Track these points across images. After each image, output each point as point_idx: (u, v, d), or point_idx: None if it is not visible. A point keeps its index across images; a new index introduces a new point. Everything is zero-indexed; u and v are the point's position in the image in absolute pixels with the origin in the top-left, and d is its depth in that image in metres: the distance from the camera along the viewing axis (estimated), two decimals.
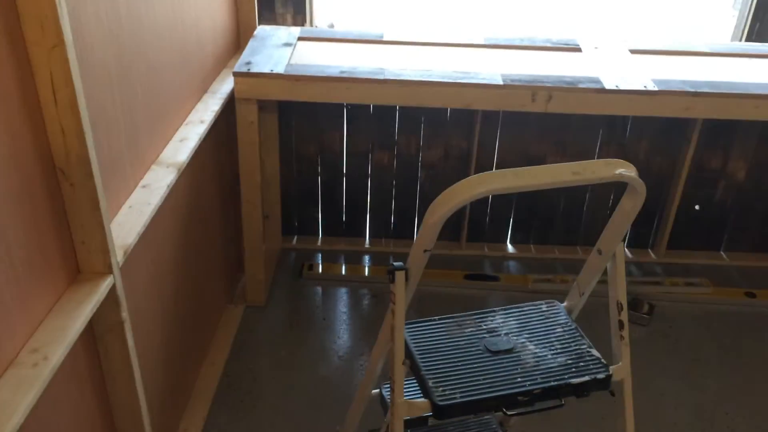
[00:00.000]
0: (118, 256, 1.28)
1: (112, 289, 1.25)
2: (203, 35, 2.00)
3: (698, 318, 2.40)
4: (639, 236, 2.70)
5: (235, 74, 2.05)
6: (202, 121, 1.90)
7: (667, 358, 2.23)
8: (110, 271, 1.24)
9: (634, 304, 2.39)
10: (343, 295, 2.49)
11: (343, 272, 2.59)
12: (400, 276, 1.26)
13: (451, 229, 2.68)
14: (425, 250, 1.23)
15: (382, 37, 2.38)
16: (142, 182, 1.54)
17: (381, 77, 2.07)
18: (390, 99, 2.16)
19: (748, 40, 3.14)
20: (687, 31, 5.66)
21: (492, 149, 2.56)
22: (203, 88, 2.05)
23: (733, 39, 3.32)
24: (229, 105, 2.09)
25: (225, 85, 2.11)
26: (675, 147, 2.51)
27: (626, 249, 2.70)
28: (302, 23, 2.96)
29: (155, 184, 1.54)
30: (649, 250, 2.70)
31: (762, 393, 2.10)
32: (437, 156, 2.58)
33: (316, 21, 3.11)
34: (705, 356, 2.24)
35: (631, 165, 1.21)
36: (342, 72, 2.08)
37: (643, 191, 1.22)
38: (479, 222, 2.69)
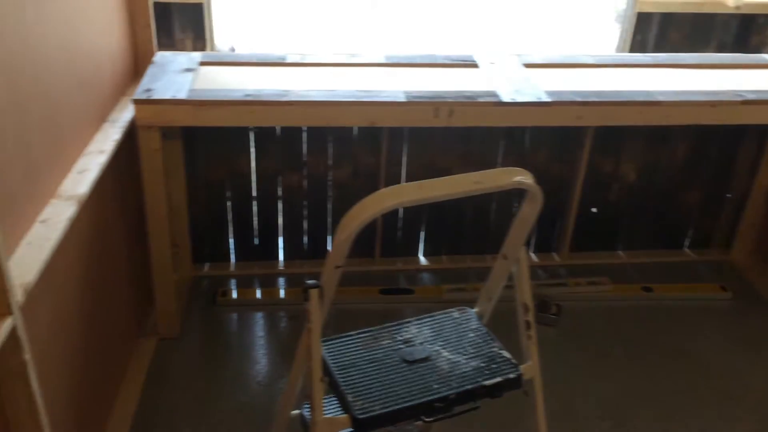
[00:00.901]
0: (18, 295, 1.23)
1: (13, 331, 1.20)
2: (100, 62, 1.95)
3: (601, 315, 2.53)
4: (543, 241, 2.82)
5: (136, 101, 2.01)
6: (102, 151, 1.85)
7: (575, 354, 2.33)
8: (9, 312, 1.19)
9: (542, 305, 2.49)
10: (259, 319, 2.46)
11: (258, 296, 2.56)
12: (314, 294, 1.28)
13: (364, 245, 2.71)
14: (337, 266, 1.25)
15: (285, 59, 2.39)
16: (40, 217, 1.48)
17: (286, 99, 2.09)
18: (296, 120, 2.18)
19: (631, 51, 3.37)
20: (576, 44, 5.98)
21: (400, 164, 2.62)
22: (102, 117, 1.99)
23: (617, 50, 3.55)
24: (131, 133, 2.04)
25: (125, 114, 2.06)
26: (571, 154, 2.64)
27: (532, 253, 2.82)
28: (202, 48, 2.93)
29: (55, 219, 1.49)
30: (553, 253, 2.82)
31: (661, 380, 2.23)
32: (347, 174, 2.61)
33: (217, 45, 3.09)
34: (609, 350, 2.36)
35: (528, 172, 1.28)
36: (247, 95, 2.08)
37: (540, 197, 1.29)
38: (391, 237, 2.74)
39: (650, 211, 2.80)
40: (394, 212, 2.71)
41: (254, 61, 2.38)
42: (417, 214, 2.72)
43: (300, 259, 2.73)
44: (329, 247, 2.73)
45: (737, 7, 3.41)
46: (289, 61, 2.38)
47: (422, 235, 2.77)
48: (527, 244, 2.75)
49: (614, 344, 2.39)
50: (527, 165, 2.64)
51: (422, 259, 2.78)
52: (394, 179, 2.61)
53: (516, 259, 1.43)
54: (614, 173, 2.73)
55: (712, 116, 2.21)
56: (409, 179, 2.63)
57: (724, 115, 2.21)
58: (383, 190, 1.17)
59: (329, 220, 2.68)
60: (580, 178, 2.64)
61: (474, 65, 2.44)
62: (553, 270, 2.76)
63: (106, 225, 1.92)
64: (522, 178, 1.25)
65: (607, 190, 2.76)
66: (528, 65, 2.44)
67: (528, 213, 1.32)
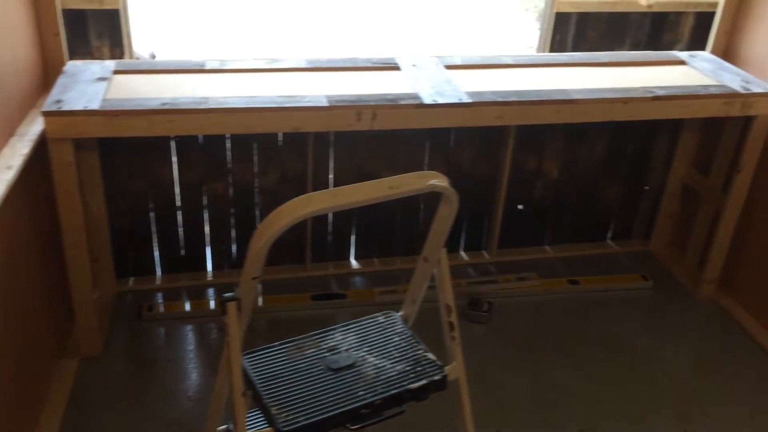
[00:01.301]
0: None
1: None
2: (3, 74, 1.86)
3: (531, 310, 2.58)
4: (473, 239, 2.86)
5: (45, 114, 1.93)
6: (9, 167, 1.77)
7: (506, 350, 2.37)
8: None
9: (474, 303, 2.53)
10: (188, 332, 2.41)
11: (187, 309, 2.50)
12: (231, 307, 1.25)
13: (294, 252, 2.69)
14: (254, 278, 1.23)
15: (204, 65, 2.34)
16: None
17: (205, 107, 2.04)
18: (216, 128, 2.13)
19: (551, 50, 3.45)
20: (498, 44, 6.10)
21: (327, 169, 2.60)
22: (9, 132, 1.91)
23: (538, 50, 3.63)
24: (42, 147, 1.95)
25: (35, 127, 1.98)
26: (495, 153, 2.69)
27: (462, 252, 2.85)
28: (120, 56, 2.84)
29: None
30: (483, 251, 2.86)
31: (589, 371, 2.29)
32: (273, 180, 2.58)
33: (137, 53, 3.00)
34: (539, 344, 2.41)
35: (443, 175, 1.29)
36: (163, 104, 2.02)
37: (456, 199, 1.30)
38: (322, 242, 2.72)
39: (573, 206, 2.88)
40: (323, 217, 2.70)
41: (172, 68, 2.32)
42: (347, 217, 2.72)
43: (229, 268, 2.68)
44: None
45: (649, 6, 3.53)
46: (208, 67, 2.33)
47: (353, 238, 2.76)
48: (453, 244, 2.80)
49: (544, 338, 2.44)
50: (453, 165, 2.71)
51: (354, 263, 2.78)
52: (322, 184, 2.59)
53: (437, 261, 1.44)
54: (538, 171, 2.79)
55: (624, 113, 2.29)
56: (337, 183, 2.62)
57: (636, 111, 2.28)
58: (296, 199, 1.15)
59: (257, 227, 2.63)
60: (505, 177, 2.68)
61: (396, 68, 2.45)
62: (483, 268, 2.80)
63: (18, 243, 1.83)
64: (436, 181, 1.26)
65: (531, 188, 2.82)
66: (449, 67, 2.47)
67: (445, 215, 1.33)
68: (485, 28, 6.68)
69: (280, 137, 2.52)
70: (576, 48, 3.63)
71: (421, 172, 1.26)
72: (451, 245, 2.85)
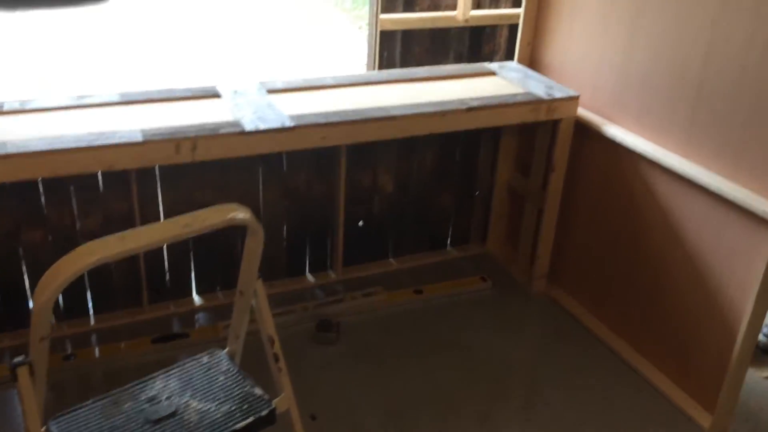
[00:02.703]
0: None
1: None
2: None
3: (379, 324, 2.61)
4: (317, 260, 2.85)
5: None
6: None
7: (357, 369, 2.38)
8: None
9: (322, 325, 2.51)
10: (10, 396, 2.20)
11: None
12: (23, 372, 1.15)
13: (130, 294, 2.54)
14: (42, 338, 1.13)
15: (1, 107, 2.17)
16: None
17: (3, 152, 1.89)
18: (18, 174, 1.97)
19: (380, 67, 3.54)
20: (335, 63, 6.17)
21: (156, 205, 2.49)
22: None
23: (368, 67, 3.70)
24: None
25: None
26: (330, 172, 2.70)
27: (308, 274, 2.83)
28: None
29: None
30: (329, 270, 2.86)
31: (438, 377, 2.35)
32: (97, 223, 2.43)
33: None
34: (389, 358, 2.43)
35: (244, 207, 1.26)
36: None
37: (260, 229, 1.28)
38: (159, 280, 2.60)
39: (412, 217, 2.95)
40: (158, 253, 2.57)
41: None
42: (184, 251, 2.61)
43: (57, 321, 2.49)
44: (89, 303, 2.53)
45: (466, 21, 3.73)
46: (6, 109, 2.16)
47: (192, 272, 2.66)
48: (299, 266, 2.77)
49: (394, 351, 2.47)
50: (288, 188, 2.69)
51: (196, 299, 2.67)
52: (151, 221, 2.47)
53: (253, 294, 1.40)
54: (373, 186, 2.84)
55: (443, 125, 2.38)
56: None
57: (453, 123, 2.38)
58: (78, 249, 1.08)
59: (85, 273, 2.47)
60: (341, 195, 2.70)
61: (216, 95, 2.40)
62: (331, 287, 2.80)
63: None
64: (235, 214, 1.23)
65: (370, 203, 2.86)
66: (272, 91, 2.45)
67: (252, 247, 1.31)
68: (320, 48, 6.74)
69: (100, 176, 2.38)
70: (403, 63, 3.75)
71: (220, 205, 1.22)
72: (297, 268, 2.82)
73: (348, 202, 2.74)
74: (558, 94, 2.49)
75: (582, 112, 2.52)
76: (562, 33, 2.61)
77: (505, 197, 2.98)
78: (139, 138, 2.03)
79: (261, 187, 2.66)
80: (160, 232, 1.14)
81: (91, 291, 2.52)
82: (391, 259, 2.97)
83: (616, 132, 2.37)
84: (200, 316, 2.61)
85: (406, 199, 2.91)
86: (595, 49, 2.46)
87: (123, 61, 5.88)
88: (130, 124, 2.12)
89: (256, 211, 2.66)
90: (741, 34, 1.93)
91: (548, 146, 2.65)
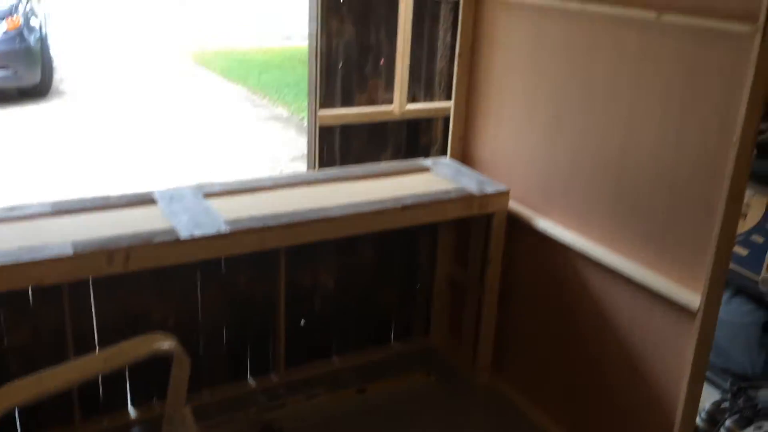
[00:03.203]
0: None
1: None
2: None
3: (323, 428, 2.55)
4: (260, 362, 2.79)
5: None
6: None
7: None
8: None
9: None
10: None
11: None
12: None
13: (61, 411, 2.43)
14: None
15: None
16: None
17: None
18: None
19: (320, 161, 3.60)
20: (286, 156, 6.23)
21: (89, 317, 2.42)
22: None
23: (308, 162, 3.76)
24: None
25: None
26: (270, 274, 2.69)
27: (250, 377, 2.76)
28: None
29: None
30: (272, 373, 2.80)
31: None
32: (26, 337, 2.34)
33: None
34: None
35: (167, 335, 1.24)
36: None
37: (185, 359, 1.26)
38: (93, 393, 2.49)
39: (354, 314, 2.94)
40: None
41: None
42: None
43: None
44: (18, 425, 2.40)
45: (402, 114, 3.86)
46: None
47: (128, 383, 2.57)
48: (240, 370, 2.70)
49: None
50: (228, 291, 2.66)
51: (132, 411, 2.57)
52: (84, 334, 2.40)
53: (181, 422, 1.37)
54: (314, 284, 2.83)
55: (379, 224, 2.42)
56: (101, 331, 2.44)
57: (389, 221, 2.43)
58: None
59: None
60: (281, 295, 2.68)
61: (152, 201, 2.39)
62: (273, 391, 2.73)
63: None
64: (159, 345, 1.21)
65: (311, 302, 2.85)
66: (208, 195, 2.46)
67: (178, 375, 1.28)
68: (268, 142, 6.81)
69: (30, 289, 2.31)
70: (343, 156, 3.83)
71: (143, 336, 1.20)
72: (238, 371, 2.76)
73: (289, 301, 2.72)
74: (489, 189, 2.57)
75: (514, 205, 2.60)
76: (491, 129, 2.73)
77: (446, 290, 3.01)
78: (69, 251, 2.00)
79: (200, 291, 2.62)
80: (80, 370, 1.11)
81: (17, 409, 2.40)
82: (335, 357, 2.93)
83: (546, 225, 2.45)
84: (136, 430, 2.50)
85: (347, 295, 2.91)
86: (522, 146, 2.57)
87: (62, 164, 5.80)
88: (61, 236, 2.09)
89: (195, 316, 2.64)
90: (652, 132, 2.06)
91: (484, 239, 2.71)
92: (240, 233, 2.22)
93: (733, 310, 2.71)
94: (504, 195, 2.58)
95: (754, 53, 1.68)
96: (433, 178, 2.72)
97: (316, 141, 3.78)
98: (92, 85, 8.50)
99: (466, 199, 2.52)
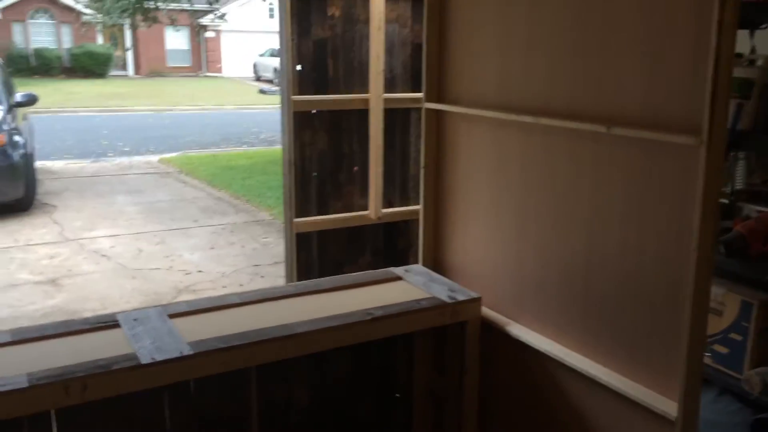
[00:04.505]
0: None
1: None
2: None
3: None
4: None
5: None
6: None
7: None
8: None
9: None
10: None
11: None
12: None
13: None
14: None
15: None
16: None
17: None
18: None
19: (299, 267, 3.57)
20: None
21: None
22: None
23: (286, 271, 3.73)
24: None
25: None
26: (241, 392, 2.59)
27: None
28: None
29: None
30: None
31: None
32: None
33: None
34: None
35: None
36: None
37: None
38: None
39: (330, 428, 2.82)
40: None
41: None
42: None
43: None
44: None
45: (379, 218, 3.88)
46: None
47: None
48: None
49: None
50: (197, 413, 2.55)
51: None
52: None
53: None
54: (288, 400, 2.73)
55: (348, 337, 2.36)
56: None
57: (359, 334, 2.38)
58: None
59: None
60: (254, 414, 2.58)
61: (116, 325, 2.33)
62: None
63: None
64: None
65: (286, 417, 2.73)
66: (173, 315, 2.41)
67: None
68: (247, 246, 6.80)
69: None
70: (321, 263, 3.80)
71: None
72: None
73: (262, 420, 2.61)
74: (460, 297, 2.54)
75: (487, 312, 2.56)
76: (460, 236, 2.73)
77: (425, 398, 2.91)
78: (24, 384, 1.93)
79: (168, 414, 2.51)
80: None
81: None
82: None
83: (520, 331, 2.41)
84: None
85: (323, 410, 2.80)
86: (491, 252, 2.56)
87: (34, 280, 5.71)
88: (16, 368, 2.02)
89: None
90: (614, 240, 2.05)
91: (460, 347, 2.65)
92: (204, 355, 2.16)
93: (720, 410, 2.62)
94: (476, 302, 2.54)
95: (701, 165, 1.70)
96: (405, 287, 2.68)
97: (293, 249, 3.77)
98: (75, 197, 8.56)
99: (438, 308, 2.48)
